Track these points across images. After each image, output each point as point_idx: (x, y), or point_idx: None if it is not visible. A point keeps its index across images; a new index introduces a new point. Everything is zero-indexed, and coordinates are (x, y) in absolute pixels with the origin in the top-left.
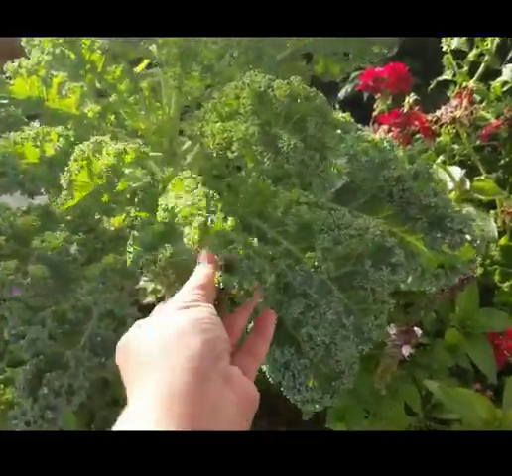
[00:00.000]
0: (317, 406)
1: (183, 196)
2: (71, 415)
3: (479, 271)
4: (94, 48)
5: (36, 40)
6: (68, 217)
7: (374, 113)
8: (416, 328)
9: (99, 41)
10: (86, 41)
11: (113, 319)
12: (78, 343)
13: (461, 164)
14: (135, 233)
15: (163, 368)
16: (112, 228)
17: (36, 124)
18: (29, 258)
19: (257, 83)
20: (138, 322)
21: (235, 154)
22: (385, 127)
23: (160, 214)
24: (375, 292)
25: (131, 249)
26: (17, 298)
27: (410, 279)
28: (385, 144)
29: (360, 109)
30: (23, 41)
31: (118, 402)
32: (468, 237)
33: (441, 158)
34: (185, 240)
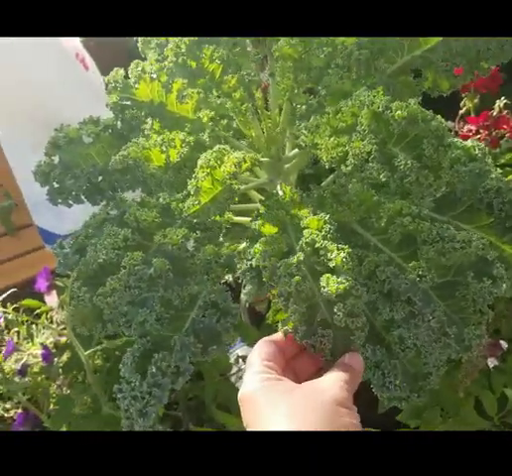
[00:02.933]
0: (403, 403)
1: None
2: None
3: None
4: (214, 58)
5: (153, 43)
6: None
7: (461, 111)
8: (502, 341)
9: (219, 51)
10: (207, 51)
11: (217, 309)
12: (182, 328)
13: None
14: (258, 247)
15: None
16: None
17: (150, 121)
18: (150, 251)
19: (376, 104)
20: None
21: (349, 168)
22: (473, 128)
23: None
24: (476, 302)
25: (250, 257)
26: (139, 287)
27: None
28: (477, 152)
29: (443, 102)
30: (139, 43)
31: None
32: None
33: None
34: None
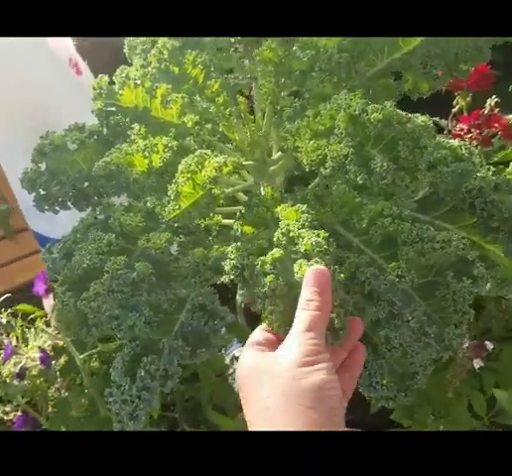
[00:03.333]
0: (390, 403)
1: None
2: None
3: None
4: (196, 64)
5: (138, 49)
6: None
7: (453, 110)
8: (487, 342)
9: (201, 56)
10: (189, 57)
11: (204, 312)
12: (171, 331)
13: None
14: (238, 244)
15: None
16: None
17: (136, 127)
18: (133, 255)
19: (353, 107)
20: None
21: (328, 171)
22: (464, 127)
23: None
24: (456, 302)
25: (232, 256)
26: (122, 291)
27: (488, 286)
28: (463, 151)
29: (437, 100)
30: (126, 49)
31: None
32: None
33: None
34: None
